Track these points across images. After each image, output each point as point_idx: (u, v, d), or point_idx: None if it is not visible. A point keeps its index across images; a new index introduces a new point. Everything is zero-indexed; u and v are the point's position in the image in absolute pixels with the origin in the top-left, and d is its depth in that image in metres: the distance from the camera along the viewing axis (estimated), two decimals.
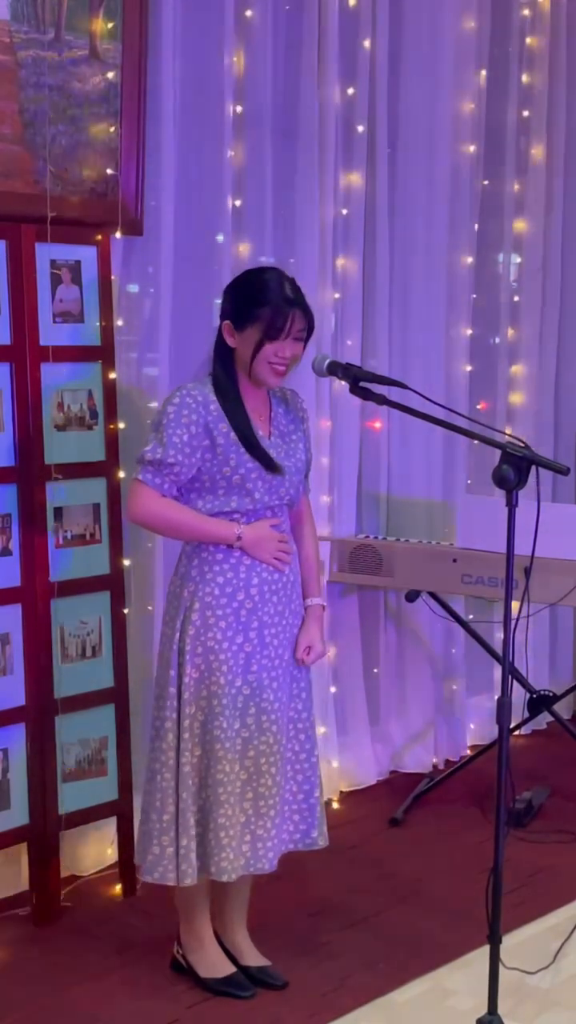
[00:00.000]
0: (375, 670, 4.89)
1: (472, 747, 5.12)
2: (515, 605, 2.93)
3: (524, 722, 4.85)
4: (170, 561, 3.74)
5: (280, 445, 3.18)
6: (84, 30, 3.62)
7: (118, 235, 3.76)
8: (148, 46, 3.75)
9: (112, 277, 3.74)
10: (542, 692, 4.66)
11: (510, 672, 2.92)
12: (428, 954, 3.46)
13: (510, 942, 3.25)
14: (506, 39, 5.12)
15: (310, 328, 3.13)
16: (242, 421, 3.10)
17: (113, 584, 3.76)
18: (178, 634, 3.14)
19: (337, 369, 3.20)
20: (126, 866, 3.80)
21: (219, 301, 3.24)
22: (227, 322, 3.10)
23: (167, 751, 3.13)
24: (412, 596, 4.51)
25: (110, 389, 3.72)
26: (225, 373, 3.13)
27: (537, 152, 5.26)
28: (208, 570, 3.13)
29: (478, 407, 5.19)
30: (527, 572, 3.15)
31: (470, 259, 5.03)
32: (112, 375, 3.72)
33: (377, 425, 4.74)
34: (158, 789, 3.16)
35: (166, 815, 3.14)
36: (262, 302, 3.06)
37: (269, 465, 3.10)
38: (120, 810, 3.80)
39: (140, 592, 3.97)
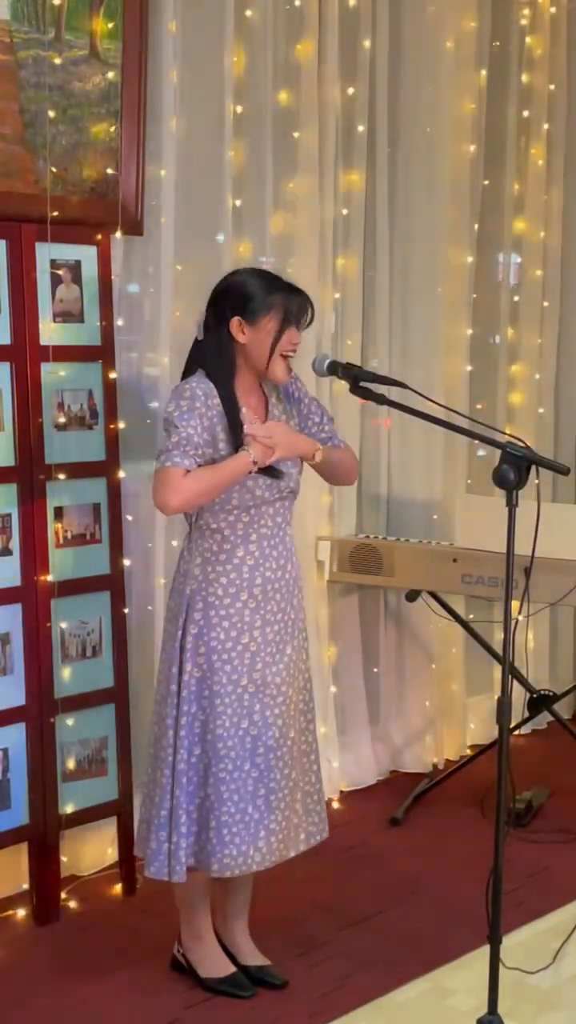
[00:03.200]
0: (375, 670, 4.89)
1: (472, 747, 5.11)
2: (515, 605, 2.93)
3: (524, 722, 4.85)
4: (170, 561, 3.74)
5: None
6: (84, 30, 3.62)
7: (118, 235, 3.77)
8: (148, 46, 3.76)
9: (112, 277, 3.74)
10: (542, 692, 4.66)
11: (510, 672, 2.92)
12: (428, 954, 3.46)
13: (510, 942, 3.25)
14: (506, 39, 5.12)
15: (311, 318, 3.16)
16: (237, 425, 3.06)
17: (113, 584, 3.76)
18: (180, 632, 3.14)
19: (337, 369, 3.19)
20: (126, 866, 3.80)
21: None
22: (236, 318, 3.07)
23: (166, 748, 3.14)
24: (412, 596, 4.51)
25: (110, 389, 3.72)
26: (225, 371, 3.10)
27: (537, 152, 5.26)
28: (211, 570, 3.12)
29: (478, 407, 5.19)
30: (527, 572, 3.15)
31: (470, 259, 5.02)
32: (112, 375, 3.72)
33: (386, 423, 4.74)
34: (157, 785, 3.17)
35: (163, 811, 3.14)
36: (275, 291, 3.07)
37: (272, 474, 3.10)
38: (120, 810, 3.80)
39: (140, 592, 3.97)
